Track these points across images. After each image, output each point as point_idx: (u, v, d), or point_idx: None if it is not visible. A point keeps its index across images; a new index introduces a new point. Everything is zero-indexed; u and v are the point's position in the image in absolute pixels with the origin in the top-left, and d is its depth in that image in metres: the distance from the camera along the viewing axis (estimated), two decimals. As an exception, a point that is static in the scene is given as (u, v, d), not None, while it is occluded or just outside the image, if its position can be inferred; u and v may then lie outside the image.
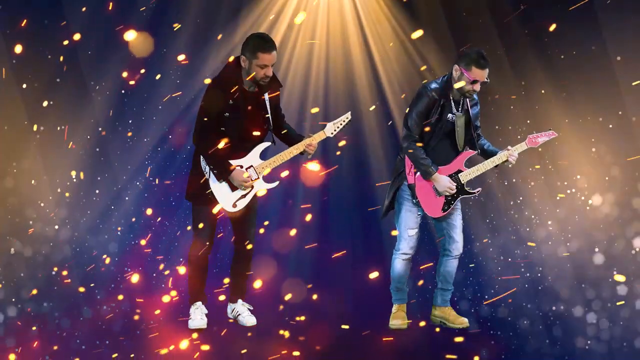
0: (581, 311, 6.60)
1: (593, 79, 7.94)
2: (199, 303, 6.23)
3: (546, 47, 8.10)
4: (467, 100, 6.03)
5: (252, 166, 6.06)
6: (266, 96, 6.09)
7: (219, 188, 6.05)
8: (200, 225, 6.09)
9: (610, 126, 7.88)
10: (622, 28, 7.80)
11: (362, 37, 8.46)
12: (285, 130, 6.27)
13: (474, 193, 6.08)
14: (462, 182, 6.02)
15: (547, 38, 8.06)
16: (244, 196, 6.05)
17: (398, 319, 6.11)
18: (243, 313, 6.22)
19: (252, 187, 6.06)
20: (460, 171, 6.04)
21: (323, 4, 8.45)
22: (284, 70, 8.36)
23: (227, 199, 6.05)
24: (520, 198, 8.21)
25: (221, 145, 5.93)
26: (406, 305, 6.18)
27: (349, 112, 6.24)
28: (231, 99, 5.96)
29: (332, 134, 6.18)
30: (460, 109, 6.02)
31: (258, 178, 6.06)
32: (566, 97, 8.02)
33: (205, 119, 5.99)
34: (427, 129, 5.95)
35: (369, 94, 8.41)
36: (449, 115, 5.98)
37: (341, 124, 6.18)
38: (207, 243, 6.11)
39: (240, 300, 6.28)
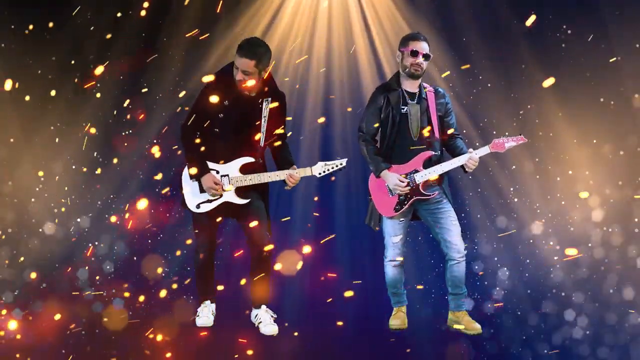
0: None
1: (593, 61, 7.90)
2: (208, 302, 6.20)
3: (545, 31, 8.04)
4: (427, 91, 6.02)
5: (227, 175, 5.90)
6: (264, 105, 5.90)
7: (189, 185, 5.96)
8: (198, 229, 6.02)
9: (612, 103, 7.86)
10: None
11: (368, 37, 8.34)
12: (280, 150, 6.05)
13: (429, 196, 5.94)
14: (417, 182, 5.92)
15: (547, 25, 8.01)
16: (209, 201, 5.92)
17: (397, 319, 6.12)
18: (265, 321, 6.02)
19: (221, 195, 5.90)
20: (416, 171, 5.94)
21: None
22: (282, 72, 8.26)
23: (192, 198, 5.95)
24: (521, 187, 8.21)
25: (200, 144, 5.86)
26: (406, 306, 6.19)
27: (345, 160, 5.97)
28: (226, 100, 5.85)
29: (319, 174, 5.94)
30: (415, 99, 5.99)
31: (230, 190, 5.90)
32: (566, 85, 7.96)
33: (195, 116, 5.90)
34: (379, 124, 5.97)
35: None
36: (403, 107, 5.95)
37: (332, 168, 5.95)
38: (208, 245, 6.04)
39: (263, 306, 6.09)
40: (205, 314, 6.14)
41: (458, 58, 8.15)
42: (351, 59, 8.34)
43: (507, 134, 5.98)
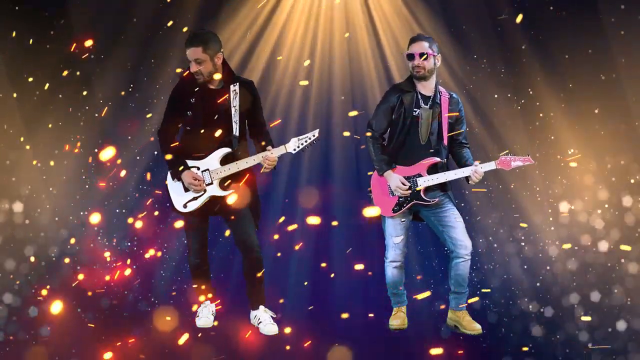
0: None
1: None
2: (207, 302, 6.20)
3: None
4: (442, 96, 5.98)
5: (207, 170, 5.89)
6: (232, 95, 5.87)
7: (173, 186, 5.97)
8: (190, 231, 6.02)
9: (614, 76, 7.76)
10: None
11: (373, 33, 8.20)
12: (260, 138, 6.02)
13: (429, 202, 5.92)
14: (419, 187, 5.91)
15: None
16: (195, 199, 5.90)
17: (397, 319, 6.12)
18: (265, 321, 6.01)
19: (205, 191, 5.89)
20: (420, 175, 5.92)
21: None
22: (283, 67, 8.15)
23: (178, 199, 5.95)
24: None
25: (177, 144, 5.89)
26: (406, 306, 6.18)
27: (317, 130, 5.93)
28: (192, 97, 5.86)
29: (294, 150, 5.89)
30: (428, 103, 5.94)
31: (212, 183, 5.88)
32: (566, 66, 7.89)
33: (167, 119, 5.96)
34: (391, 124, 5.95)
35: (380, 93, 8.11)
36: (416, 110, 5.92)
37: (306, 141, 5.89)
38: (200, 249, 6.05)
39: (261, 307, 6.09)
40: (205, 315, 6.14)
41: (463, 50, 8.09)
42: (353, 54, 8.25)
43: (514, 153, 5.95)
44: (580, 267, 7.56)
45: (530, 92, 8.03)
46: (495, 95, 8.03)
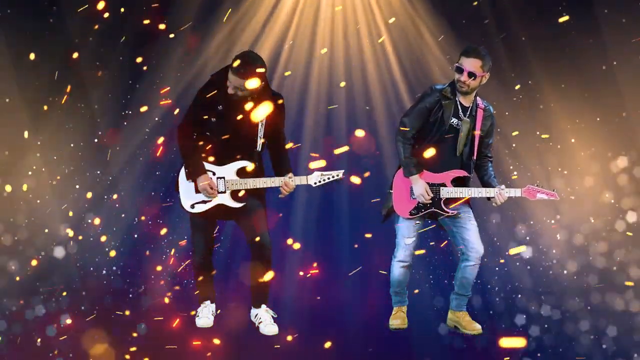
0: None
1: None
2: (208, 302, 6.20)
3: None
4: (478, 108, 5.91)
5: (223, 178, 5.89)
6: (262, 111, 5.84)
7: (185, 184, 5.96)
8: (197, 230, 6.03)
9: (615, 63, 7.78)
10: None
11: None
12: (278, 157, 6.01)
13: (447, 212, 5.90)
14: (441, 196, 5.88)
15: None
16: (204, 202, 5.91)
17: (398, 319, 6.12)
18: (265, 321, 6.02)
19: (215, 197, 5.89)
20: (444, 185, 5.90)
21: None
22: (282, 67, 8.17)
23: (188, 198, 5.95)
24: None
25: (198, 144, 5.85)
26: (406, 306, 6.18)
27: (343, 171, 5.93)
28: (220, 105, 5.82)
29: (314, 183, 5.90)
30: (467, 114, 5.88)
31: (224, 192, 5.88)
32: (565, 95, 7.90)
33: (191, 117, 5.90)
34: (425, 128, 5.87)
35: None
36: (454, 119, 5.85)
37: (329, 178, 5.90)
38: (204, 246, 6.05)
39: (263, 306, 6.10)
40: (205, 314, 6.15)
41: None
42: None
43: (539, 182, 5.99)
44: (580, 266, 7.58)
45: (530, 83, 8.01)
46: (495, 89, 8.00)
